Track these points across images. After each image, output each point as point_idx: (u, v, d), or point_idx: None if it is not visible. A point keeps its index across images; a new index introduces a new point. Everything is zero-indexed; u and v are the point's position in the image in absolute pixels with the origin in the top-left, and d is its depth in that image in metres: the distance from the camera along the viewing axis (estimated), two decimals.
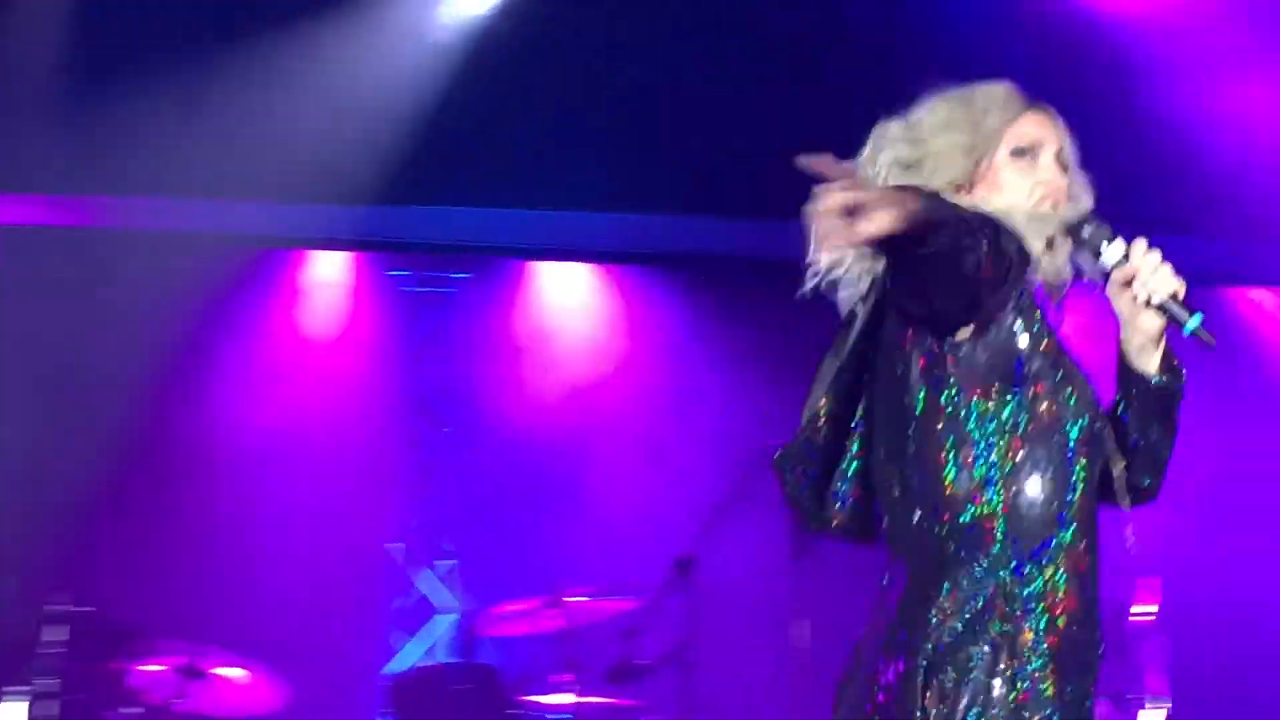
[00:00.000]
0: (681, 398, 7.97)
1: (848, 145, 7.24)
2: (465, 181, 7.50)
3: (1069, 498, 3.19)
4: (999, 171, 3.35)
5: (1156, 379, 3.31)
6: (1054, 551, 3.17)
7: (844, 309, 3.38)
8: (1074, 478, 3.20)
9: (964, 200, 3.28)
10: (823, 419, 3.35)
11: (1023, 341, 3.21)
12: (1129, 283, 3.21)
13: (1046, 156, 3.39)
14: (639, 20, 7.26)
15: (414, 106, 7.28)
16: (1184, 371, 3.33)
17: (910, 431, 3.20)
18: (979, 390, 3.19)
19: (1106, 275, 3.25)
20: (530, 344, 8.16)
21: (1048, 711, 3.12)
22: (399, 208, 7.64)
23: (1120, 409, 3.33)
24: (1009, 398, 3.18)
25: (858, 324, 3.31)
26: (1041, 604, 3.15)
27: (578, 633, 6.73)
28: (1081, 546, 3.20)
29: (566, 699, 6.71)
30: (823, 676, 6.48)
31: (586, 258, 8.20)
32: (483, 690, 6.86)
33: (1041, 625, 3.15)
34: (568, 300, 8.29)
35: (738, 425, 7.49)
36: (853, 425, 3.36)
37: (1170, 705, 7.82)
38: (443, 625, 8.19)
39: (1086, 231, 3.25)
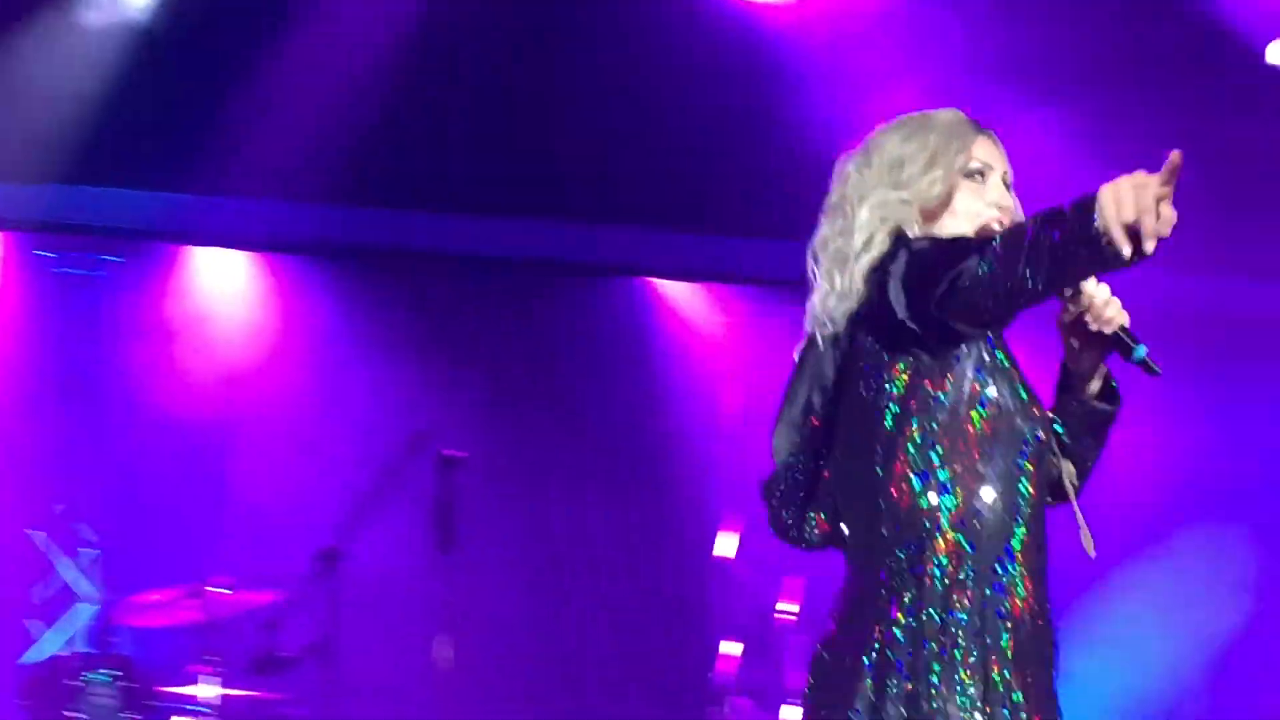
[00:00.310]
0: (332, 388, 7.92)
1: (509, 146, 7.28)
2: (121, 163, 7.39)
3: (1022, 502, 3.36)
4: (955, 195, 3.49)
5: (1098, 401, 3.54)
6: (1012, 551, 3.34)
7: (811, 327, 3.50)
8: (1026, 482, 3.37)
9: (928, 227, 3.45)
10: (802, 446, 3.52)
11: (985, 355, 3.37)
12: (1081, 313, 3.40)
13: (995, 179, 3.53)
14: (306, 9, 7.24)
15: (65, 88, 7.14)
16: (1120, 396, 3.54)
17: (879, 448, 3.36)
18: (947, 405, 3.35)
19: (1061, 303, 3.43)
20: (181, 329, 8.01)
21: (1016, 700, 3.27)
22: (48, 187, 7.47)
23: (1056, 422, 3.52)
24: (974, 412, 3.35)
25: (835, 353, 3.45)
26: (1005, 602, 3.31)
27: (219, 624, 6.63)
28: (1034, 546, 3.37)
29: (209, 691, 6.60)
30: (466, 668, 6.57)
31: (241, 245, 8.11)
32: (119, 681, 6.70)
33: (1007, 622, 3.31)
34: (221, 286, 8.16)
35: (387, 417, 7.48)
36: (821, 448, 3.51)
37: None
38: (84, 615, 8.00)
39: None
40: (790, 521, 3.58)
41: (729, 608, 8.06)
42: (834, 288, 3.44)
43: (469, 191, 7.52)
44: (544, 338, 8.10)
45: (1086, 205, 2.96)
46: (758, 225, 7.57)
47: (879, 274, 3.36)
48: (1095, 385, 3.54)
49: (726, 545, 8.08)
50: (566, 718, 7.84)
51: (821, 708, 3.35)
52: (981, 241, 3.21)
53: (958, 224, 3.47)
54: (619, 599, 8.03)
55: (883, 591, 3.32)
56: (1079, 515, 3.48)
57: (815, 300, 3.50)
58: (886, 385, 3.37)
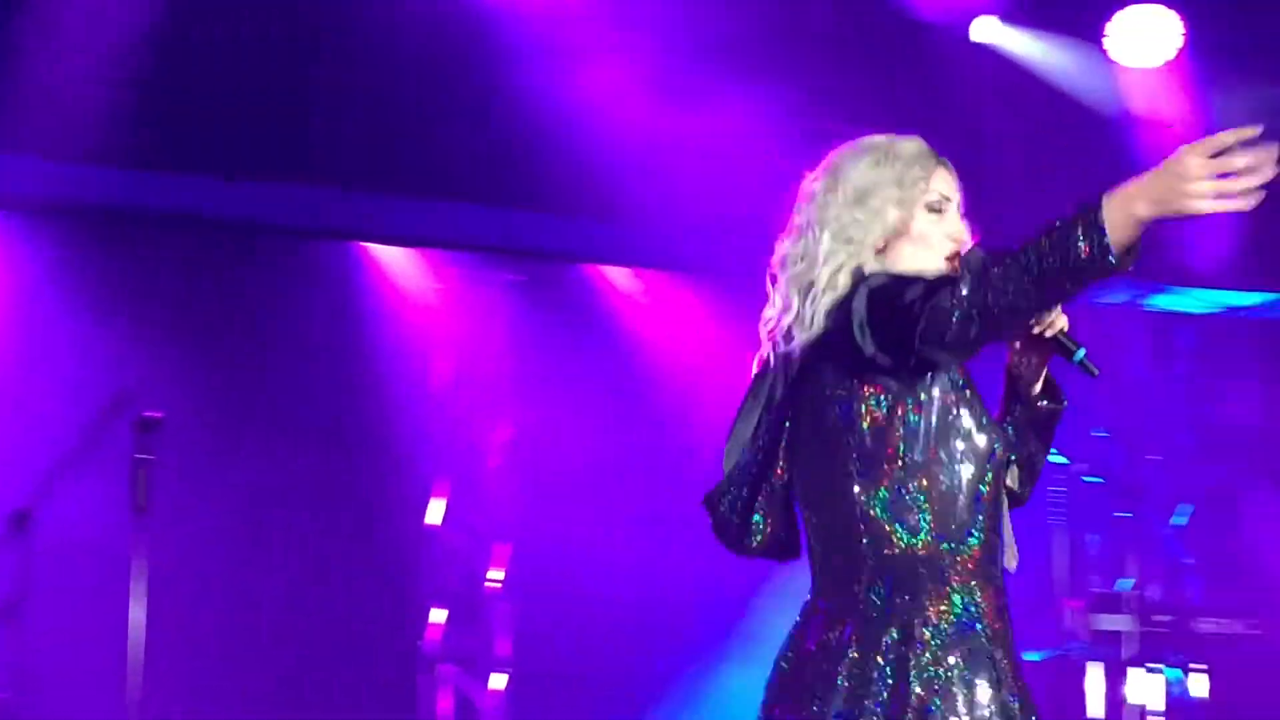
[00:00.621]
0: (35, 347, 7.69)
1: (216, 105, 7.09)
2: None
3: (983, 516, 3.51)
4: (917, 225, 3.59)
5: (1043, 401, 3.70)
6: (978, 566, 3.50)
7: (771, 352, 3.66)
8: (987, 486, 3.51)
9: (887, 256, 3.57)
10: (751, 460, 3.68)
11: (949, 378, 3.50)
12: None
13: (953, 210, 3.64)
14: None
15: None
16: (1064, 396, 3.71)
17: (855, 471, 3.50)
18: (920, 429, 3.50)
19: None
20: None
21: (1001, 675, 3.44)
22: None
23: (1004, 425, 3.69)
24: (947, 433, 3.50)
25: (785, 373, 3.61)
26: (981, 617, 3.47)
27: None
28: (992, 560, 3.53)
29: None
30: (164, 632, 6.44)
31: None
32: None
33: (983, 635, 3.46)
34: None
35: (92, 376, 7.29)
36: (770, 462, 3.67)
37: (513, 670, 8.05)
38: None
39: None
40: (736, 529, 3.72)
41: (438, 575, 8.05)
42: (792, 312, 3.58)
43: (177, 150, 7.36)
44: (252, 300, 7.96)
45: (1089, 224, 3.12)
46: (472, 192, 7.55)
47: (841, 314, 3.47)
48: (1038, 386, 3.71)
49: (435, 512, 8.06)
50: (271, 683, 7.73)
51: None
52: (948, 276, 3.38)
53: (916, 254, 3.58)
54: (326, 565, 7.95)
55: (863, 607, 3.48)
56: (1008, 528, 3.60)
57: (770, 316, 3.65)
58: (860, 409, 3.51)
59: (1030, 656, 8.06)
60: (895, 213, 3.58)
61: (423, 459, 8.07)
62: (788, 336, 3.59)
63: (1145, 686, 8.09)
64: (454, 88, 7.35)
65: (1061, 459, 8.09)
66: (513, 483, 8.13)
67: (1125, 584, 8.01)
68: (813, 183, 3.65)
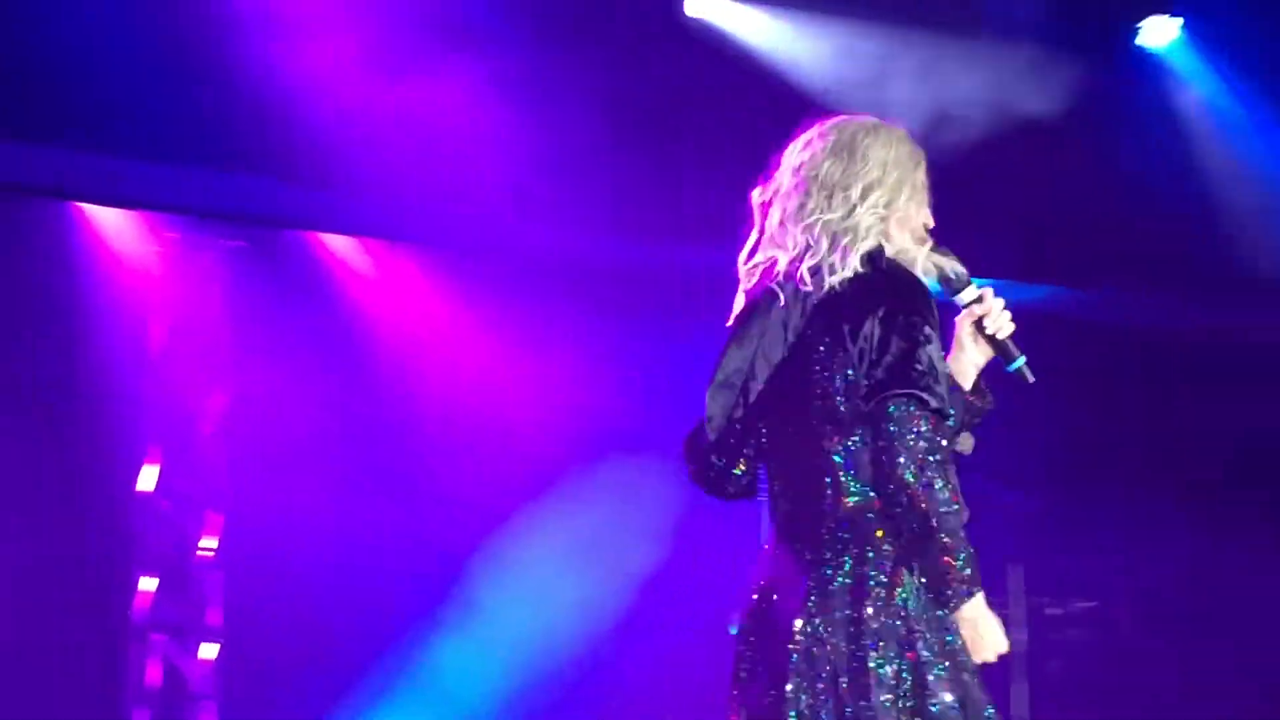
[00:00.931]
0: None
1: None
2: None
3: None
4: (906, 210, 3.96)
5: (974, 396, 4.06)
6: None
7: (746, 292, 3.96)
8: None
9: (893, 227, 3.93)
10: (737, 404, 3.91)
11: None
12: (979, 317, 4.00)
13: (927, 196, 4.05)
14: None
15: None
16: (991, 395, 4.08)
17: (824, 423, 3.81)
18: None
19: (959, 308, 4.01)
20: None
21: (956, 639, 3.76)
22: None
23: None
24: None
25: (786, 340, 3.89)
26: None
27: None
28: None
29: None
30: None
31: None
32: None
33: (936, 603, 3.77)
34: None
35: None
36: (750, 414, 3.91)
37: (224, 640, 7.95)
38: None
39: (954, 274, 3.96)
40: (718, 478, 3.96)
41: (148, 542, 7.92)
42: (820, 254, 3.88)
43: None
44: None
45: (967, 597, 3.68)
46: (192, 155, 7.44)
47: (905, 327, 3.78)
48: (970, 381, 4.07)
49: (147, 478, 7.93)
50: None
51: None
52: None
53: (905, 236, 3.95)
54: (34, 529, 7.77)
55: (826, 554, 3.78)
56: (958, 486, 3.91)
57: (763, 260, 3.96)
58: (841, 371, 3.81)
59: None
60: (911, 206, 3.97)
61: (136, 424, 7.93)
62: (803, 279, 3.88)
63: None
64: (174, 52, 7.23)
65: None
66: (228, 450, 8.04)
67: None
68: (834, 151, 3.98)
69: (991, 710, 3.76)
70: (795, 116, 4.14)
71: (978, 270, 4.01)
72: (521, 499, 8.04)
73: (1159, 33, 8.33)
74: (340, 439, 8.12)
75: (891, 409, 3.69)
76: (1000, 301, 4.00)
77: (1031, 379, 3.99)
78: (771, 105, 7.30)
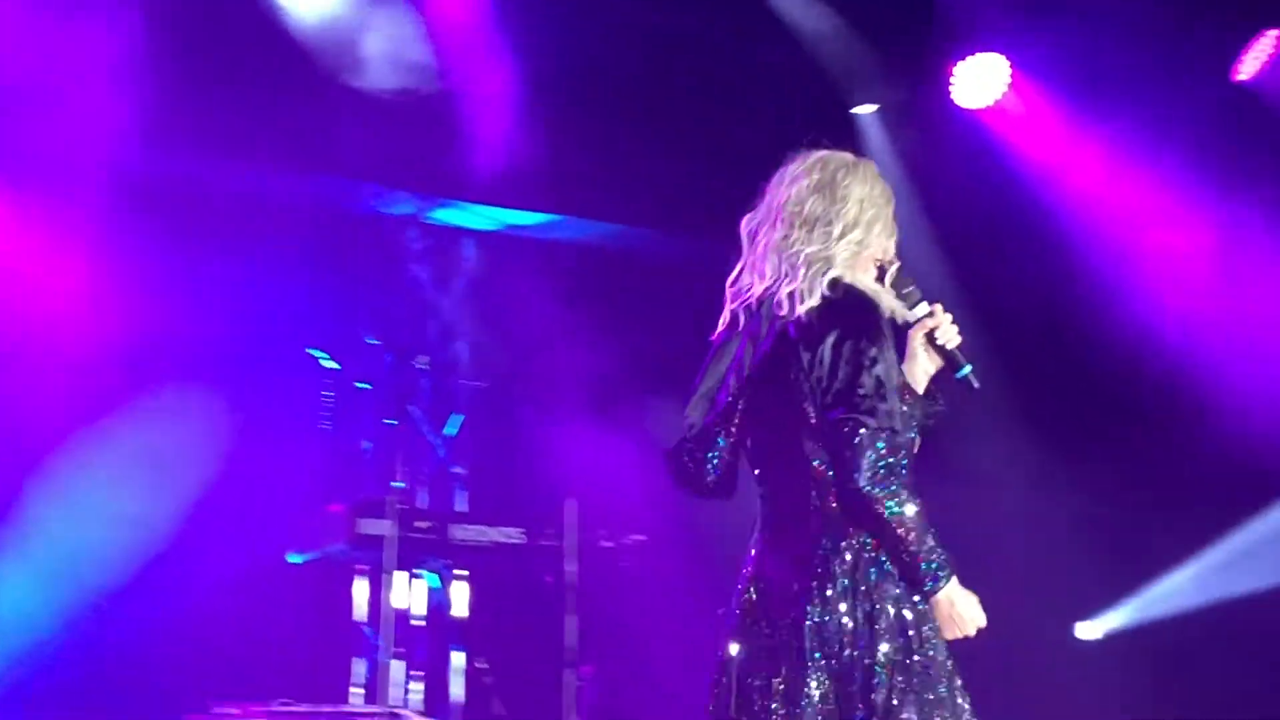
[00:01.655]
0: None
1: None
2: None
3: (910, 463, 4.31)
4: (877, 243, 4.48)
5: (927, 400, 4.56)
6: None
7: (731, 312, 4.47)
8: (915, 448, 4.42)
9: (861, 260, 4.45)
10: (712, 415, 4.43)
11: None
12: (931, 330, 4.51)
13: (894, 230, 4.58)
14: None
15: None
16: (944, 404, 4.59)
17: (805, 432, 4.29)
18: None
19: (910, 323, 4.53)
20: None
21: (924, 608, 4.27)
22: None
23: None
24: None
25: (755, 358, 4.40)
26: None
27: None
28: None
29: None
30: None
31: None
32: None
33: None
34: None
35: None
36: (728, 419, 4.44)
37: None
38: None
39: (906, 291, 4.51)
40: (694, 474, 4.46)
41: None
42: (797, 283, 4.35)
43: None
44: None
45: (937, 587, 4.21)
46: None
47: (851, 353, 4.24)
48: (922, 387, 4.57)
49: None
50: None
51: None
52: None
53: (870, 269, 4.48)
54: None
55: (815, 548, 4.26)
56: None
57: (746, 285, 4.45)
58: (809, 400, 4.28)
59: (294, 559, 8.12)
60: (883, 240, 4.49)
61: None
62: (779, 304, 4.35)
63: (408, 591, 8.26)
64: None
65: (332, 364, 8.15)
66: None
67: (391, 489, 8.12)
68: (817, 188, 4.46)
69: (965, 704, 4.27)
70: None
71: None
72: (78, 420, 7.80)
73: None
74: None
75: (844, 428, 4.16)
76: (949, 316, 4.52)
77: (977, 385, 4.51)
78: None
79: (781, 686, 4.24)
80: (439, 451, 8.55)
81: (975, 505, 8.78)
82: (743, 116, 9.04)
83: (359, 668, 8.15)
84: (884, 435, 4.16)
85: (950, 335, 4.53)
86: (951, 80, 9.44)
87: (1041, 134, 9.21)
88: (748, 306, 4.45)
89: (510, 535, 8.30)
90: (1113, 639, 9.22)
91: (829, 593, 4.22)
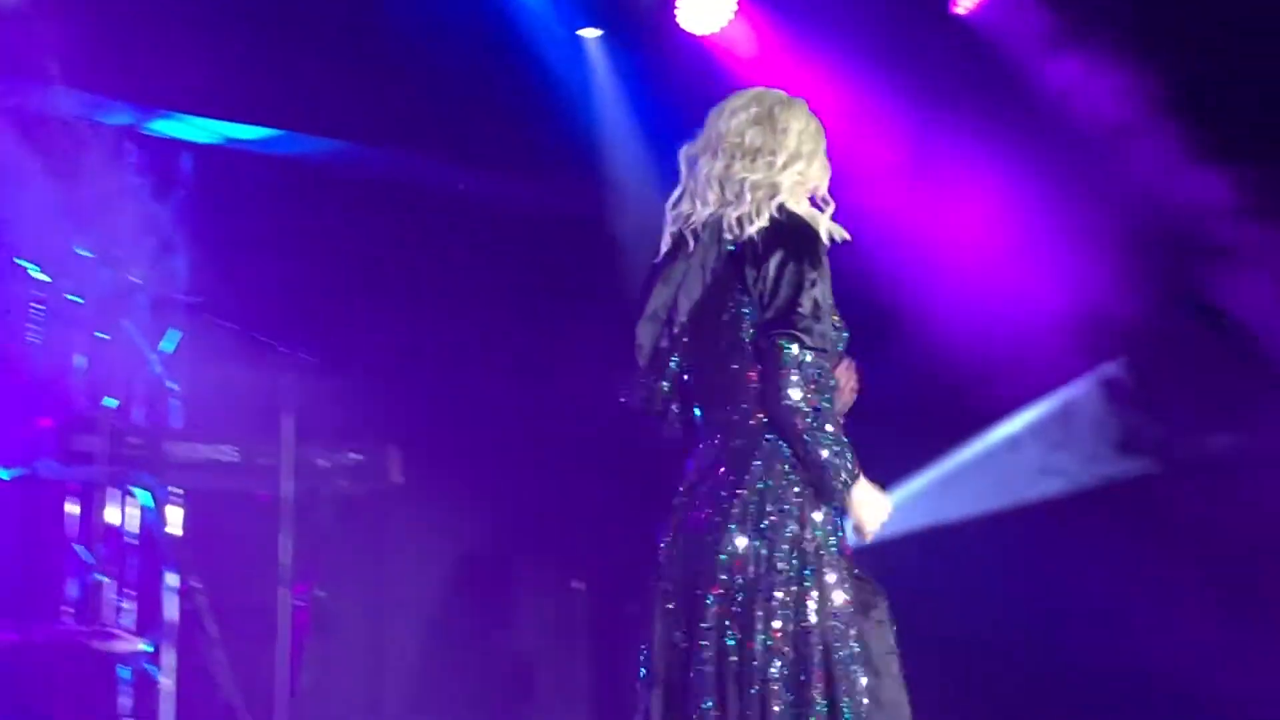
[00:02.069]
0: None
1: None
2: None
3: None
4: (815, 176, 4.84)
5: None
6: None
7: (672, 235, 4.81)
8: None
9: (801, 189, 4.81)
10: (665, 341, 4.73)
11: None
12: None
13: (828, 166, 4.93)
14: None
15: None
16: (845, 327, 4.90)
17: (739, 355, 4.64)
18: None
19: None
20: None
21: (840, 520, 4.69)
22: None
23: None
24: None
25: (704, 279, 4.73)
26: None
27: None
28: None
29: None
30: None
31: None
32: None
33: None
34: None
35: None
36: (677, 339, 4.75)
37: None
38: None
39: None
40: (647, 395, 4.76)
41: None
42: (745, 207, 4.67)
43: None
44: None
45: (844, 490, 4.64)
46: None
47: (794, 275, 4.60)
48: None
49: None
50: None
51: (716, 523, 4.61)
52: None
53: (806, 201, 4.81)
54: None
55: (750, 462, 4.62)
56: None
57: (690, 210, 4.78)
58: (747, 319, 4.64)
59: (1, 475, 7.92)
60: (819, 174, 4.84)
61: None
62: (728, 227, 4.69)
63: (120, 509, 8.12)
64: None
65: (43, 276, 7.95)
66: None
67: (103, 406, 7.96)
68: (756, 120, 4.77)
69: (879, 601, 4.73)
70: None
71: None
72: None
73: None
74: None
75: (780, 344, 4.50)
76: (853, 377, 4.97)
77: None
78: None
79: (693, 603, 4.56)
80: (154, 368, 8.39)
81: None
82: (465, 46, 9.04)
83: (70, 588, 7.99)
84: (815, 354, 4.54)
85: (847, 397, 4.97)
86: (677, 5, 9.51)
87: (767, 61, 9.35)
88: (694, 231, 4.77)
89: (225, 453, 8.20)
90: None
91: (748, 508, 4.59)
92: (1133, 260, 8.74)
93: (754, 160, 4.76)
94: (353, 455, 8.47)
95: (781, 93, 4.91)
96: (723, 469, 4.66)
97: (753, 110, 4.83)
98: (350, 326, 9.23)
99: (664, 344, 4.78)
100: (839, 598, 4.59)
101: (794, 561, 4.57)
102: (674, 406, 4.87)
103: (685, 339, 4.77)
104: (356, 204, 9.46)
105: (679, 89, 9.34)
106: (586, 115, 9.79)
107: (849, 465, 4.60)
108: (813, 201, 4.87)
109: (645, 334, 4.79)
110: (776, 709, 4.45)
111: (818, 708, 4.47)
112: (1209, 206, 8.66)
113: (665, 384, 4.81)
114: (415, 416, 9.28)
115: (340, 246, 9.16)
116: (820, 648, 4.51)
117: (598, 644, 10.17)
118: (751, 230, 4.68)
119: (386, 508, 9.05)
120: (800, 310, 4.54)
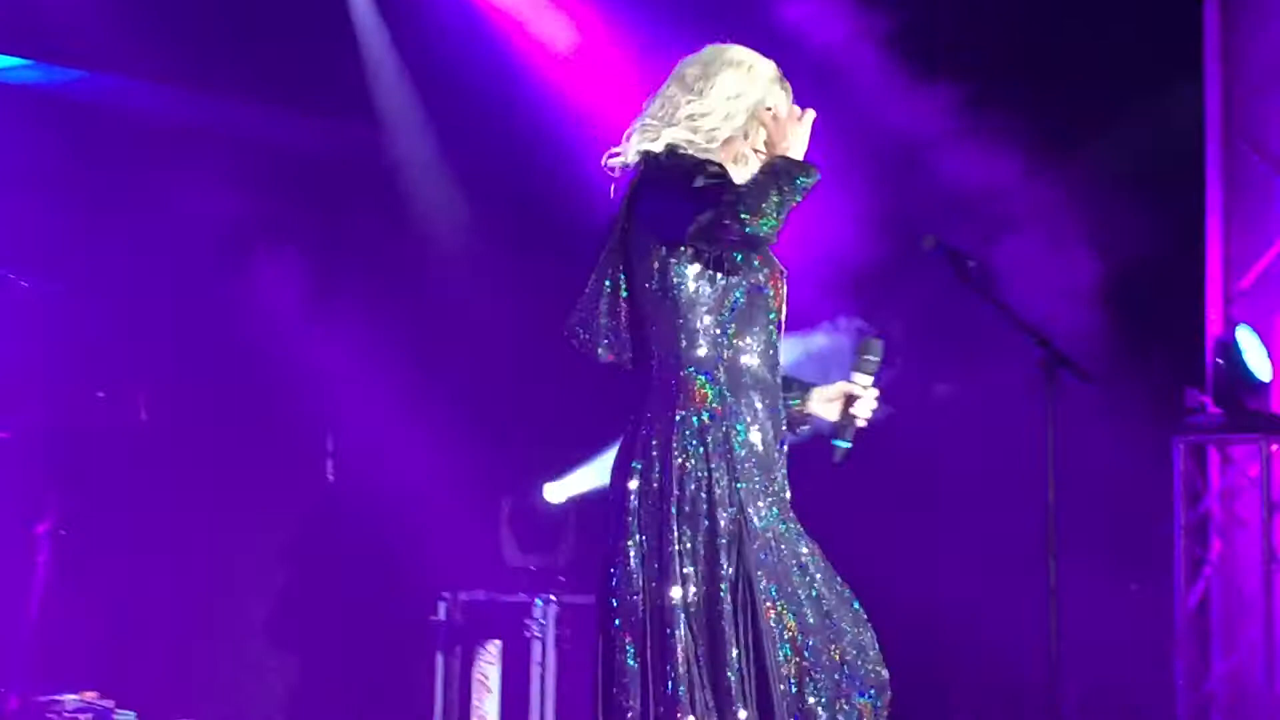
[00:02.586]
0: None
1: None
2: None
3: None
4: (726, 133, 4.58)
5: (803, 425, 4.83)
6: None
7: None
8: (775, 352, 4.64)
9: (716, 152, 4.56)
10: (603, 292, 4.61)
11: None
12: (853, 397, 4.70)
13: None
14: None
15: None
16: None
17: (656, 306, 4.52)
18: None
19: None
20: None
21: (755, 487, 4.47)
22: None
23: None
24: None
25: (618, 224, 4.56)
26: (744, 427, 4.52)
27: None
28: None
29: None
30: None
31: None
32: None
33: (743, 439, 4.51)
34: None
35: None
36: (601, 291, 4.63)
37: None
38: None
39: (866, 358, 4.74)
40: (588, 341, 4.62)
41: None
42: (621, 152, 4.59)
43: None
44: None
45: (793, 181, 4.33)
46: None
47: (669, 180, 4.45)
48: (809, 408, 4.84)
49: None
50: None
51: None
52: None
53: (720, 158, 4.56)
54: None
55: (669, 414, 4.49)
56: None
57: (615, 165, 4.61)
58: (645, 267, 4.53)
59: None
60: (738, 135, 4.57)
61: None
62: (610, 170, 4.58)
63: None
64: None
65: None
66: None
67: None
68: (685, 68, 4.61)
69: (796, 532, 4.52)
70: None
71: None
72: None
73: None
74: None
75: (702, 221, 4.29)
76: (875, 394, 4.70)
77: (836, 461, 4.69)
78: None
79: (620, 555, 4.48)
80: None
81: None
82: None
83: None
84: (742, 200, 4.26)
85: (863, 413, 4.71)
86: None
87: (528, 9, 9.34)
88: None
89: None
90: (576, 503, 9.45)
91: (654, 464, 4.46)
92: (871, 203, 8.85)
93: (661, 109, 4.61)
94: (99, 393, 8.41)
95: (745, 54, 4.69)
96: (631, 455, 4.58)
97: (692, 68, 4.65)
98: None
99: (596, 303, 4.64)
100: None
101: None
102: (620, 356, 4.71)
103: (616, 295, 4.64)
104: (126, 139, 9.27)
105: (448, 40, 9.28)
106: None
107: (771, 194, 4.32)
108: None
109: (593, 289, 4.66)
110: None
111: None
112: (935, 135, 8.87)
113: (606, 339, 4.66)
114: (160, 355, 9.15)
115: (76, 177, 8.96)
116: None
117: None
118: (617, 163, 4.61)
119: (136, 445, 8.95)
120: (698, 185, 4.35)
